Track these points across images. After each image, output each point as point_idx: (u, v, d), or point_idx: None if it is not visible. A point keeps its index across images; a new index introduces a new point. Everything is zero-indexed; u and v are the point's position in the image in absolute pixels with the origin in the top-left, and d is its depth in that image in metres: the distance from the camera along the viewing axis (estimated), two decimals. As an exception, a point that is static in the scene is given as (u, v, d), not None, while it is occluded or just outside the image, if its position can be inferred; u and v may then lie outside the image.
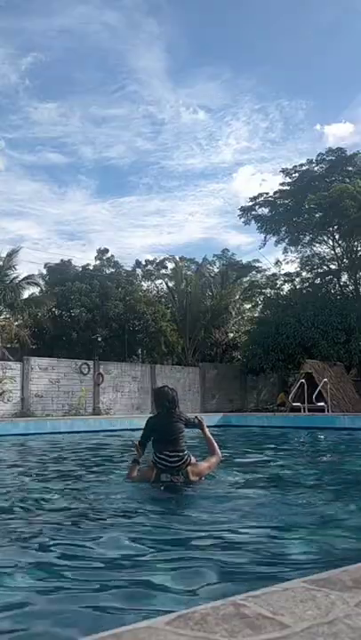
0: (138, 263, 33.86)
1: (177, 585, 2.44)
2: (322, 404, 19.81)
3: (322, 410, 19.48)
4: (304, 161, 28.96)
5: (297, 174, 28.37)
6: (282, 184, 28.69)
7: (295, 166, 28.78)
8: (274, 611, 1.23)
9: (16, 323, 24.79)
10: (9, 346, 23.78)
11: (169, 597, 2.28)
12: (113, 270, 30.72)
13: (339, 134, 43.74)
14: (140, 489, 5.11)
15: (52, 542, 3.28)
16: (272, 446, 10.98)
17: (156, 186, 51.18)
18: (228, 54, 45.91)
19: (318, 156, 28.38)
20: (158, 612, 1.27)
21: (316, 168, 28.36)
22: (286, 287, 30.82)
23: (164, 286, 32.99)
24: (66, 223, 49.23)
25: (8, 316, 25.17)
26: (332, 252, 28.75)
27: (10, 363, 20.86)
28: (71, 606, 2.22)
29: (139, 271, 33.43)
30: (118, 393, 23.57)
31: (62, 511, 4.17)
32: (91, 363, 23.01)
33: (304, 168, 28.47)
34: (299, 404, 19.74)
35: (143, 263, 34.00)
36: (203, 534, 3.44)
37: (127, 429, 14.87)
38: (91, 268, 29.94)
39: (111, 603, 2.23)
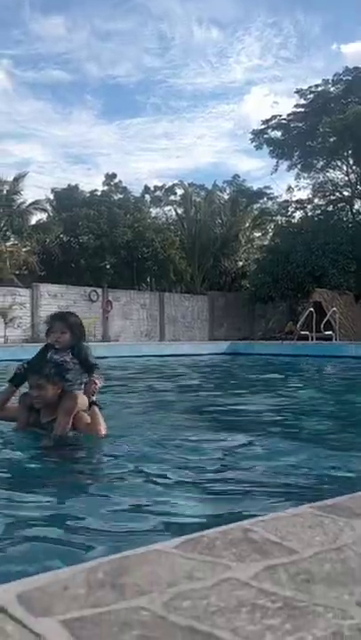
0: (146, 189, 33.24)
1: (184, 509, 2.50)
2: (330, 332, 19.90)
3: (330, 338, 19.58)
4: (320, 81, 27.74)
5: (312, 95, 27.24)
6: (296, 106, 27.63)
7: (310, 87, 27.61)
8: (282, 536, 1.24)
9: (24, 249, 24.69)
10: (17, 272, 23.76)
11: (177, 522, 2.33)
12: (121, 196, 30.19)
13: (357, 52, 41.64)
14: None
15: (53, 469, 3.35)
16: (279, 374, 11.10)
17: (164, 106, 49.71)
18: None
19: (335, 75, 27.15)
20: (167, 537, 1.30)
21: (332, 89, 27.18)
22: (298, 214, 30.31)
23: (173, 213, 32.47)
24: (71, 146, 48.20)
25: (16, 242, 25.05)
26: (346, 177, 28.02)
27: (19, 289, 20.91)
28: (80, 529, 2.28)
29: (147, 197, 32.84)
30: (127, 320, 23.72)
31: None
32: (99, 290, 23.04)
33: (320, 89, 27.29)
34: (307, 332, 19.83)
35: (152, 189, 33.37)
36: (211, 460, 3.50)
37: (136, 356, 15.07)
38: (98, 193, 29.42)
39: (120, 527, 2.29)
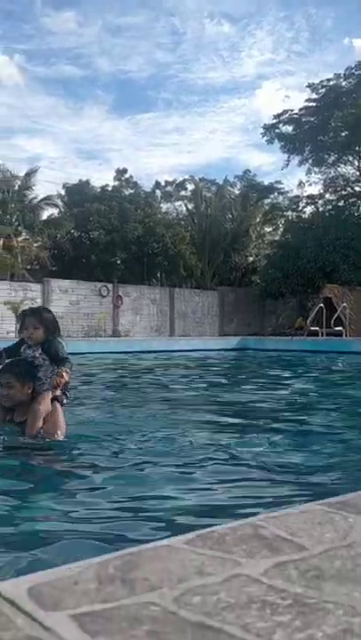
0: (157, 184, 33.18)
1: (193, 505, 2.50)
2: (340, 328, 19.82)
3: (340, 334, 19.50)
4: (331, 75, 27.52)
5: (323, 89, 27.03)
6: (307, 100, 27.44)
7: (322, 81, 27.37)
8: (292, 532, 1.23)
9: (36, 244, 24.79)
10: (29, 267, 23.85)
11: (186, 518, 2.34)
12: (132, 191, 30.16)
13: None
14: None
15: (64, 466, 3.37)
16: (289, 370, 11.08)
17: (176, 101, 49.50)
18: None
19: (347, 70, 26.90)
20: (176, 532, 1.30)
21: (343, 83, 26.96)
22: (309, 210, 30.15)
23: (184, 208, 32.40)
24: (82, 141, 48.20)
25: (28, 237, 25.14)
26: (358, 172, 27.83)
27: (30, 284, 20.99)
28: (92, 526, 2.29)
29: (158, 192, 32.79)
30: (137, 315, 23.74)
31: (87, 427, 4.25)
32: (110, 285, 23.06)
33: (331, 83, 27.07)
34: (317, 328, 19.76)
35: (162, 184, 33.31)
36: (220, 456, 3.50)
37: (146, 351, 15.09)
38: (109, 188, 29.40)
39: (131, 523, 2.30)
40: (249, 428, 4.45)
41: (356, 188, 28.24)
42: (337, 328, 19.74)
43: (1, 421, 3.80)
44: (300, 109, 27.48)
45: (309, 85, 27.60)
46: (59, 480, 3.01)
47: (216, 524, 1.30)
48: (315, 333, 19.60)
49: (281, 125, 27.96)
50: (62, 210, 27.49)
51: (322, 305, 20.14)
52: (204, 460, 3.34)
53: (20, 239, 24.23)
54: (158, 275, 29.18)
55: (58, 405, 3.73)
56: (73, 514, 2.42)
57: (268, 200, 32.07)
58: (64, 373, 3.74)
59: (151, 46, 45.96)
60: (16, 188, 25.01)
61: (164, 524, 2.24)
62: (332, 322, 19.75)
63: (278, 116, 27.93)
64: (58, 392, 3.77)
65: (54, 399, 3.75)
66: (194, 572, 1.03)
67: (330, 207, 28.86)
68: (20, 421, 3.72)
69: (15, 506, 2.54)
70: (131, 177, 31.21)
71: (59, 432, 3.66)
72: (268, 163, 58.15)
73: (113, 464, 3.23)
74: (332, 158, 27.81)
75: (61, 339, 4.02)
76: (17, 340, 4.06)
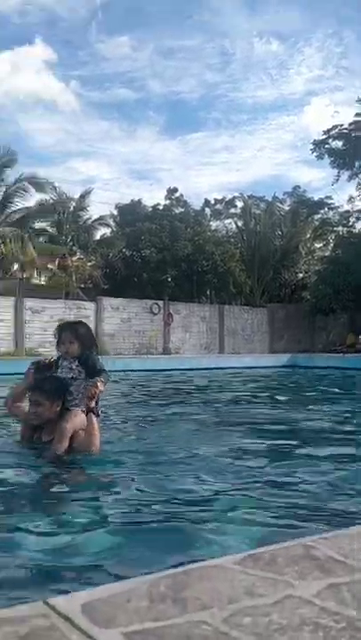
0: (206, 202, 33.41)
1: (245, 525, 2.47)
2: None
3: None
4: (382, 89, 27.17)
5: (374, 103, 26.71)
6: (357, 115, 27.12)
7: (372, 95, 27.08)
8: (345, 554, 1.22)
9: (89, 263, 25.35)
10: (83, 286, 24.34)
11: (237, 537, 2.31)
12: (182, 210, 30.42)
13: None
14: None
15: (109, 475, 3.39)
16: (341, 388, 10.86)
17: (225, 120, 49.85)
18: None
19: None
20: (227, 552, 1.29)
21: (394, 96, 26.59)
22: (359, 225, 29.68)
23: (233, 226, 32.43)
24: (135, 162, 49.03)
25: (82, 256, 25.74)
26: None
27: (84, 302, 21.39)
28: (140, 543, 2.30)
29: (207, 210, 32.98)
30: (187, 333, 23.79)
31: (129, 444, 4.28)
32: (161, 303, 23.22)
33: (382, 96, 26.74)
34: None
35: (212, 202, 33.51)
36: (269, 475, 3.46)
37: (196, 369, 15.09)
38: (160, 207, 29.75)
39: (179, 541, 2.29)
40: (299, 447, 4.38)
41: None
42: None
43: (26, 438, 3.78)
44: (350, 124, 27.20)
45: (359, 100, 27.34)
46: (97, 497, 3.00)
47: (267, 545, 1.29)
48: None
49: (331, 141, 27.75)
50: (114, 229, 28.00)
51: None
52: (253, 478, 3.30)
53: (74, 259, 24.81)
54: (208, 292, 29.20)
55: (93, 418, 3.63)
56: (119, 531, 2.42)
57: (319, 215, 31.76)
58: (99, 383, 3.64)
59: (201, 67, 46.50)
60: (71, 209, 25.68)
61: (212, 544, 2.22)
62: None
63: (328, 131, 27.74)
64: (93, 403, 3.65)
65: (90, 411, 3.64)
66: (244, 593, 1.03)
67: (382, 222, 28.34)
68: (47, 440, 3.65)
69: (62, 524, 2.55)
70: (181, 196, 31.55)
71: (94, 445, 3.59)
72: (317, 178, 57.85)
73: (156, 481, 3.21)
74: (384, 172, 27.37)
75: (99, 355, 3.92)
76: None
